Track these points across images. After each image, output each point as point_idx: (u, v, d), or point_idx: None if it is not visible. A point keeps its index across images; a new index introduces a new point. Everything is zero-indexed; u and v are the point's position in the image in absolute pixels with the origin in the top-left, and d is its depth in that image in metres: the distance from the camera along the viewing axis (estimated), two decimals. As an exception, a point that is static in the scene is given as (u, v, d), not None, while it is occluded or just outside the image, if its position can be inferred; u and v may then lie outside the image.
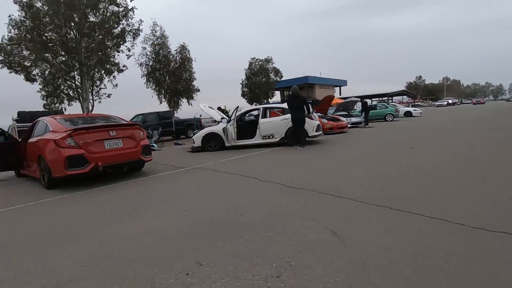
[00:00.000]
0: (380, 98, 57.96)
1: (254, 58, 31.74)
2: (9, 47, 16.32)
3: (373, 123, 16.56)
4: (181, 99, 24.66)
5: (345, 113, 16.18)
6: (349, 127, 13.27)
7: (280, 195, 3.63)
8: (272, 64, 31.54)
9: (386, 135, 10.46)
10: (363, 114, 15.28)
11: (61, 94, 21.15)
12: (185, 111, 26.70)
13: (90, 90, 22.26)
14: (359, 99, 17.84)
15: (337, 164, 5.45)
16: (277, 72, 32.07)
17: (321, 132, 8.80)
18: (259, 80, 31.24)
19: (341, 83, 63.12)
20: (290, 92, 7.93)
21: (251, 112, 10.07)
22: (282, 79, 34.04)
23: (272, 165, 5.86)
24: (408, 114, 21.67)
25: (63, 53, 18.28)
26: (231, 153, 8.12)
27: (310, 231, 2.45)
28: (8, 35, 16.16)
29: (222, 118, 9.15)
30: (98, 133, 4.83)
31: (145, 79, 23.65)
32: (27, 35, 16.45)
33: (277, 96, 42.70)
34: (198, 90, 24.61)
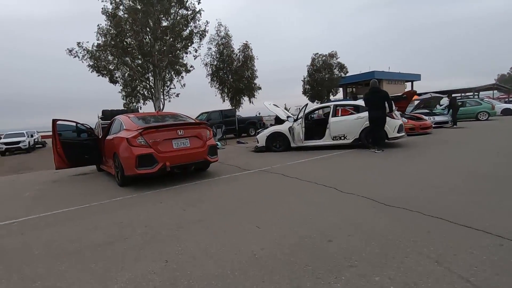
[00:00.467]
0: (462, 94, 50.45)
1: (317, 53, 30.38)
2: (97, 53, 18.48)
3: (463, 122, 14.02)
4: (243, 97, 24.92)
5: (427, 110, 14.03)
6: (433, 127, 11.37)
7: (372, 214, 2.87)
8: (337, 59, 29.74)
9: (486, 138, 8.53)
10: (450, 112, 13.00)
11: (138, 94, 23.39)
12: (246, 109, 26.97)
13: (161, 90, 24.12)
14: (443, 95, 15.36)
15: (431, 174, 4.36)
16: (341, 67, 30.13)
17: (403, 134, 7.53)
18: (322, 77, 29.77)
19: (414, 78, 56.49)
20: (372, 86, 6.89)
21: (320, 110, 9.25)
22: (347, 74, 31.87)
23: (349, 171, 5.04)
24: (507, 112, 17.93)
25: (139, 57, 20.00)
26: (298, 154, 7.48)
27: (439, 282, 1.69)
28: (96, 43, 18.24)
29: (288, 116, 8.56)
30: (167, 132, 4.71)
31: (210, 78, 24.54)
32: (112, 42, 18.41)
33: (339, 93, 40.24)
34: (260, 88, 24.55)
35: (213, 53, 24.02)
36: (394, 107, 7.02)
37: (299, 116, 7.99)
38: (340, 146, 7.82)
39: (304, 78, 31.07)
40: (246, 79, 24.16)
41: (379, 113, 6.66)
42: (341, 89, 41.99)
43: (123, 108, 19.66)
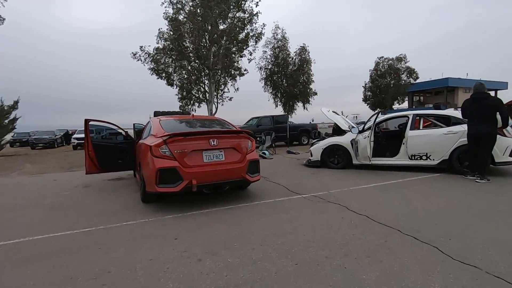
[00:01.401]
0: None
1: (382, 57, 27.49)
2: (157, 56, 19.12)
3: None
4: (297, 103, 23.56)
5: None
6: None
7: None
8: (405, 63, 26.43)
9: None
10: None
11: (193, 96, 23.81)
12: (300, 115, 25.52)
13: (215, 93, 24.19)
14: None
15: None
16: (411, 72, 26.70)
17: (518, 158, 5.42)
18: (387, 83, 26.76)
19: (499, 86, 48.25)
20: (475, 91, 5.00)
21: (393, 120, 7.51)
22: (417, 81, 28.16)
23: (447, 211, 3.42)
24: None
25: (196, 60, 20.19)
26: (362, 175, 5.94)
27: None
28: (156, 46, 18.85)
29: (351, 127, 7.04)
30: (197, 141, 3.73)
31: (263, 82, 23.77)
32: (171, 45, 18.88)
33: (406, 101, 35.97)
34: (315, 94, 22.91)
35: (268, 56, 23.22)
36: (510, 120, 5.02)
37: (365, 127, 6.42)
38: (420, 168, 6.03)
39: (366, 84, 28.40)
40: (301, 84, 22.77)
41: (487, 128, 4.77)
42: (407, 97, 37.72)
43: (177, 110, 19.81)
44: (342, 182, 5.27)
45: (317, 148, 7.11)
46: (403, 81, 26.56)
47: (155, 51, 18.84)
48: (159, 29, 18.74)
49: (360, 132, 6.38)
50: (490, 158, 5.03)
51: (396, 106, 31.14)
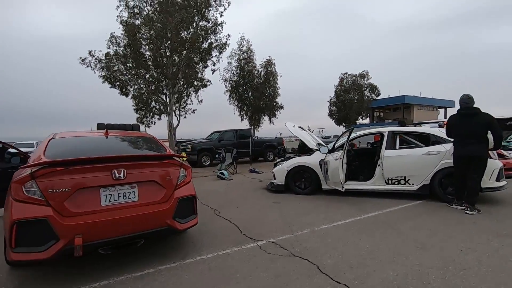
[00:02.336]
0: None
1: (346, 73, 27.98)
2: (108, 62, 17.19)
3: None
4: (263, 116, 22.76)
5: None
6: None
7: None
8: (368, 79, 27.10)
9: None
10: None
11: (153, 108, 21.97)
12: (266, 129, 24.72)
13: (177, 105, 22.57)
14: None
15: None
16: (373, 89, 27.39)
17: (505, 183, 4.75)
18: (351, 98, 27.14)
19: (448, 104, 52.48)
20: (463, 106, 4.23)
21: (365, 137, 6.70)
22: (378, 97, 28.99)
23: (458, 268, 2.42)
24: None
25: (153, 68, 18.57)
26: (333, 203, 4.92)
27: None
28: (107, 51, 16.99)
29: (319, 144, 6.09)
30: (91, 173, 2.38)
31: (228, 94, 22.71)
32: (125, 51, 17.14)
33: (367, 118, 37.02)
34: (282, 108, 22.29)
35: (234, 68, 22.33)
36: (501, 140, 4.33)
37: (336, 146, 5.47)
38: (398, 194, 5.17)
39: (331, 99, 28.60)
40: (267, 97, 22.09)
41: (479, 150, 4.01)
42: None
43: (135, 123, 17.64)
44: (311, 217, 4.17)
45: (281, 170, 6.02)
46: (366, 97, 27.13)
47: (105, 57, 16.93)
48: (111, 33, 16.96)
49: (330, 151, 5.41)
50: (479, 185, 4.27)
51: (359, 121, 31.81)
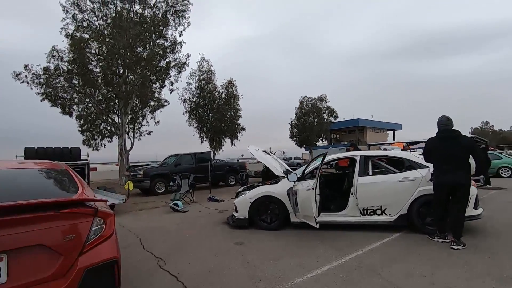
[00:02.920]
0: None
1: (306, 96, 28.75)
2: (48, 78, 15.24)
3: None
4: (224, 138, 21.97)
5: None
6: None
7: None
8: (326, 103, 28.10)
9: None
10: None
11: (101, 129, 19.92)
12: (227, 152, 23.87)
13: (130, 127, 20.81)
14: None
15: None
16: (331, 112, 28.39)
17: (481, 210, 4.46)
18: (311, 120, 27.73)
19: (395, 127, 57.06)
20: (441, 128, 3.87)
21: (333, 162, 6.19)
22: (337, 120, 30.12)
23: None
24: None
25: (103, 86, 16.96)
26: (304, 241, 4.18)
27: None
28: (47, 66, 15.12)
29: (286, 171, 5.43)
30: None
31: (188, 115, 21.65)
32: (69, 66, 15.42)
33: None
34: (243, 129, 21.77)
35: (193, 88, 21.52)
36: (486, 165, 4.04)
37: (306, 172, 4.84)
38: (374, 225, 4.63)
39: (292, 122, 28.95)
40: (228, 119, 21.47)
41: (462, 177, 3.64)
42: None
43: (74, 146, 15.70)
44: (282, 264, 3.36)
45: (244, 202, 5.18)
46: (325, 120, 27.95)
47: (44, 72, 15.01)
48: (53, 46, 15.20)
49: (299, 179, 4.75)
50: (461, 215, 3.87)
51: (319, 143, 32.56)
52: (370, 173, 4.83)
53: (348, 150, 9.08)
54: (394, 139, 52.50)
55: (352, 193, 4.77)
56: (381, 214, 4.58)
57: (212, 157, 14.07)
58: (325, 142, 40.06)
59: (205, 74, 21.35)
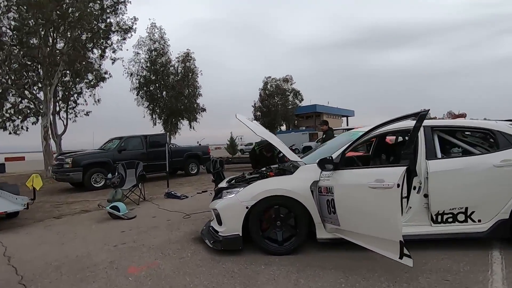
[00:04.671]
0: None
1: (269, 77, 26.86)
2: None
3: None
4: (181, 120, 19.07)
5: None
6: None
7: None
8: (291, 84, 26.56)
9: None
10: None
11: (19, 108, 15.58)
12: (184, 137, 20.99)
13: (62, 106, 16.79)
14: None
15: None
16: (296, 94, 26.98)
17: None
18: (275, 103, 26.04)
19: (349, 113, 58.90)
20: None
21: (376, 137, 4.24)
22: (302, 103, 28.89)
23: None
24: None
25: (16, 47, 12.82)
26: (350, 273, 2.20)
27: None
28: None
29: (306, 152, 3.31)
30: None
31: (136, 93, 18.20)
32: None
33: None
34: (204, 110, 19.08)
35: (142, 60, 18.03)
36: None
37: (345, 150, 2.81)
38: (453, 239, 2.84)
39: (255, 104, 26.95)
40: (186, 97, 18.56)
41: None
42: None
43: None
44: None
45: (234, 208, 2.97)
46: (290, 102, 26.48)
47: None
48: None
49: (337, 166, 2.70)
50: None
51: (283, 127, 31.18)
52: (438, 155, 2.99)
53: (323, 130, 7.32)
54: (347, 125, 54.04)
55: (415, 188, 2.90)
56: (464, 220, 2.79)
57: (167, 141, 11.40)
58: (283, 127, 39.04)
59: (157, 44, 17.98)
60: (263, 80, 26.98)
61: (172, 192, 6.56)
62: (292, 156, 3.10)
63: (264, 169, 3.87)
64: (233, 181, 3.58)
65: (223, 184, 3.63)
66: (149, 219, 4.73)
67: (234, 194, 3.07)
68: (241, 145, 37.46)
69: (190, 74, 18.81)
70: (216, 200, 3.31)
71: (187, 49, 18.88)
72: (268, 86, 26.39)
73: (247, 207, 2.91)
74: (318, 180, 2.88)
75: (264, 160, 5.27)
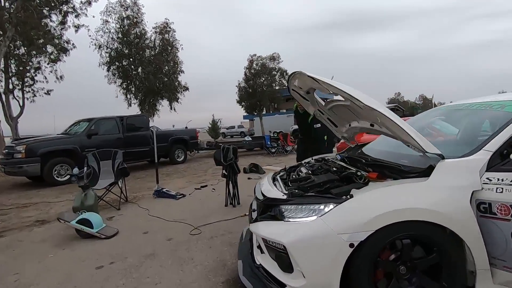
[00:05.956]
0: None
1: (255, 55, 24.97)
2: None
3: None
4: (160, 100, 16.97)
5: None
6: None
7: None
8: (279, 63, 24.89)
9: None
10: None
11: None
12: (163, 119, 18.96)
13: (16, 83, 14.15)
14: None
15: None
16: (283, 73, 25.39)
17: None
18: (262, 83, 24.38)
19: (328, 96, 58.43)
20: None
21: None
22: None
23: None
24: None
25: None
26: None
27: None
28: None
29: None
30: None
31: (106, 68, 15.75)
32: None
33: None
34: (187, 89, 17.05)
35: (113, 30, 15.51)
36: None
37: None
38: None
39: (239, 84, 25.07)
40: (165, 75, 16.42)
41: None
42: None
43: None
44: None
45: (324, 245, 1.52)
46: (277, 82, 24.91)
47: None
48: None
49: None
50: None
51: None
52: None
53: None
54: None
55: None
56: None
57: (148, 123, 9.58)
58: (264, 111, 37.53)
59: (129, 11, 15.48)
60: (248, 58, 25.05)
61: (164, 190, 4.99)
62: (423, 142, 1.68)
63: (342, 162, 2.44)
64: (290, 185, 2.12)
65: (270, 189, 2.15)
66: (138, 236, 3.20)
67: (316, 217, 1.63)
68: (223, 128, 35.67)
69: (170, 48, 16.59)
70: (265, 222, 1.86)
71: (165, 19, 16.55)
72: (254, 65, 24.52)
73: (351, 245, 1.49)
74: (480, 189, 1.53)
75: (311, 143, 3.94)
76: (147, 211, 4.12)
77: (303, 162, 2.99)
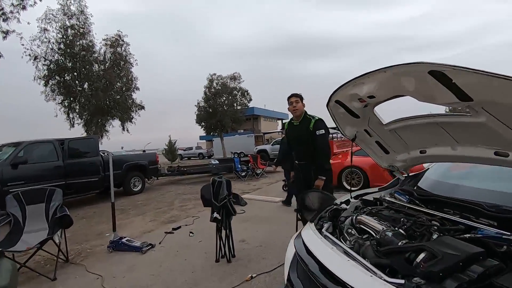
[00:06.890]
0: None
1: (215, 74, 24.23)
2: None
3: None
4: (111, 120, 14.93)
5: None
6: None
7: None
8: (240, 83, 24.42)
9: None
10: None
11: None
12: (113, 141, 16.78)
13: None
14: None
15: None
16: (243, 93, 24.95)
17: None
18: (222, 102, 23.55)
19: (283, 116, 60.33)
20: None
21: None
22: (251, 104, 26.90)
23: None
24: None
25: None
26: None
27: None
28: None
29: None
30: None
31: (43, 83, 13.41)
32: None
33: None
34: (142, 108, 15.31)
35: (53, 40, 13.42)
36: None
37: None
38: None
39: (199, 103, 23.90)
40: (117, 92, 14.60)
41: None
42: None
43: None
44: None
45: None
46: (239, 102, 24.30)
47: None
48: None
49: None
50: None
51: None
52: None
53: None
54: (283, 128, 54.76)
55: None
56: None
57: (98, 146, 7.90)
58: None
59: (75, 19, 13.64)
60: (207, 77, 24.20)
61: (124, 240, 3.65)
62: None
63: (420, 207, 1.56)
64: (383, 257, 1.19)
65: (344, 265, 1.18)
66: None
67: None
68: (180, 149, 33.55)
69: (123, 63, 14.93)
70: None
71: (117, 31, 14.97)
72: (214, 84, 23.69)
73: None
74: None
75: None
76: (99, 280, 2.79)
77: (337, 202, 2.08)
